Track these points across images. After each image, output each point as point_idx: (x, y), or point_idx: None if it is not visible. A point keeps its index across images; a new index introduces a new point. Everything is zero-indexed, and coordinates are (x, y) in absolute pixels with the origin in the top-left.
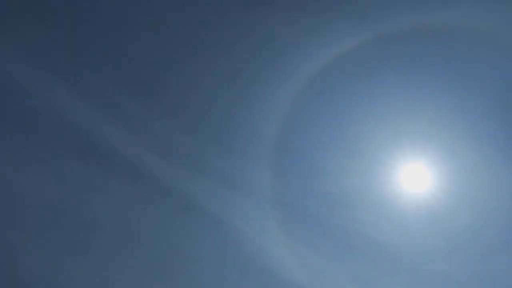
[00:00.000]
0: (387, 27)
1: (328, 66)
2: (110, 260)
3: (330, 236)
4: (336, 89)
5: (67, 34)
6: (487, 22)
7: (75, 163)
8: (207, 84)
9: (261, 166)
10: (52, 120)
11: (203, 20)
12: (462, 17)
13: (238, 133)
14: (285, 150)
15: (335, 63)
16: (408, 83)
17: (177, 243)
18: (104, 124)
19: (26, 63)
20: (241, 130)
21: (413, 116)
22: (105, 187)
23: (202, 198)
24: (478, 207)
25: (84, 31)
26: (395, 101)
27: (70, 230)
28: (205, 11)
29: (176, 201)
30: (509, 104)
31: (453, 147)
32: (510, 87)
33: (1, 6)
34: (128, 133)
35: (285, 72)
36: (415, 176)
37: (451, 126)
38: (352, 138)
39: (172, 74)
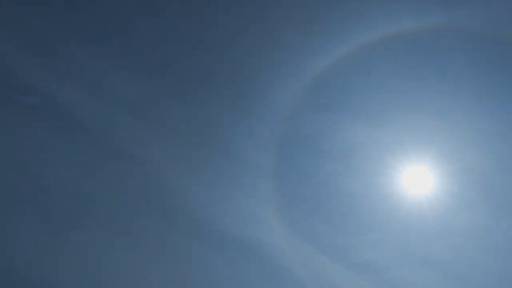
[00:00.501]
0: (390, 29)
1: (332, 66)
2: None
3: (337, 235)
4: (341, 89)
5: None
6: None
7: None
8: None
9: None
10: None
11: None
12: (465, 19)
13: None
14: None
15: (339, 63)
16: (411, 85)
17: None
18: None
19: None
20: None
21: (417, 118)
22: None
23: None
24: (480, 208)
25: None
26: (398, 103)
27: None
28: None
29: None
30: None
31: (456, 149)
32: None
33: None
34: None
35: (287, 74)
36: (418, 178)
37: (455, 129)
38: (355, 140)
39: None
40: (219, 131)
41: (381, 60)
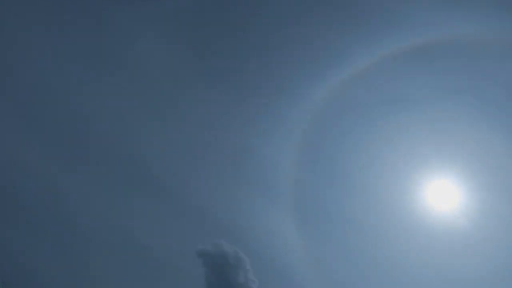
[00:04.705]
0: (408, 44)
1: (353, 82)
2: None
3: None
4: (360, 106)
5: None
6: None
7: None
8: None
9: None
10: None
11: None
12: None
13: None
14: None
15: (363, 77)
16: (436, 100)
17: None
18: None
19: None
20: None
21: (442, 134)
22: None
23: None
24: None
25: None
26: (423, 119)
27: None
28: None
29: None
30: None
31: (481, 164)
32: None
33: None
34: None
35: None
36: (442, 193)
37: (480, 143)
38: (379, 155)
39: None
40: None
41: (409, 73)
